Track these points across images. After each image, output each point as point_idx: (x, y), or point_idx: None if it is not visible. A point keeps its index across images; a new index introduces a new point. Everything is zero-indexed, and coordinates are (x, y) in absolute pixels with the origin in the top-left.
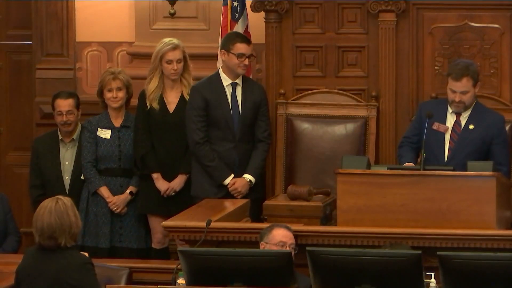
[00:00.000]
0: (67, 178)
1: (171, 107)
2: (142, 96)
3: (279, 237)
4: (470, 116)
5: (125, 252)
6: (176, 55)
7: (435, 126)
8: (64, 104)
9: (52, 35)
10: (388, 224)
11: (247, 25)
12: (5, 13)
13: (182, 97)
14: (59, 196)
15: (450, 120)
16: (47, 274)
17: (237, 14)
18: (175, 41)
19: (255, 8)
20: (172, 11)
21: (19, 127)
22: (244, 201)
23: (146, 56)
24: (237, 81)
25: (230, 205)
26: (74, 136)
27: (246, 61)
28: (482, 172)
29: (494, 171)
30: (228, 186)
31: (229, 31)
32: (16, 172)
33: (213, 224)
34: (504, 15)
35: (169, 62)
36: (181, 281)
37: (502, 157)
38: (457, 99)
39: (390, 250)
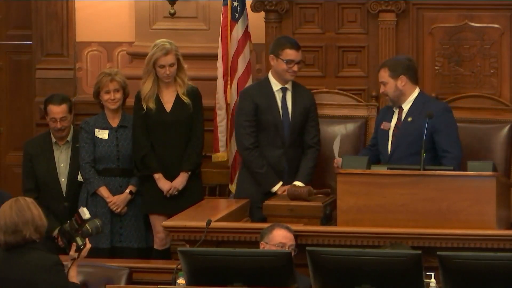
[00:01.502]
0: (63, 180)
1: (168, 107)
2: (138, 97)
3: (279, 238)
4: (409, 109)
5: (125, 252)
6: (168, 60)
7: (382, 125)
8: (58, 111)
9: (52, 35)
10: (388, 224)
11: (247, 25)
12: (5, 13)
13: (177, 97)
14: (19, 197)
15: (395, 117)
16: (15, 277)
17: (237, 14)
18: (167, 45)
19: (255, 8)
20: (172, 11)
21: (19, 127)
22: (244, 201)
23: (146, 56)
24: (286, 86)
25: (230, 205)
26: (68, 138)
27: (295, 67)
28: (482, 172)
29: (441, 158)
30: (278, 193)
31: (229, 31)
32: (16, 172)
33: (213, 224)
34: (504, 15)
35: (162, 66)
36: (181, 281)
37: (445, 144)
38: (380, 91)
39: (390, 250)
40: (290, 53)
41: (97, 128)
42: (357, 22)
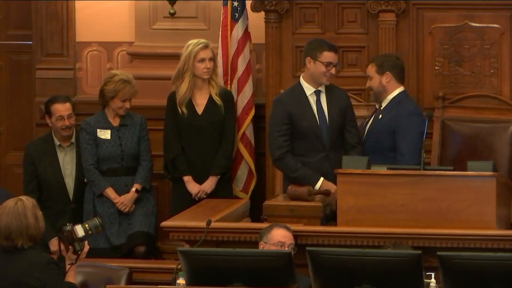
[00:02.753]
0: (69, 182)
1: (200, 109)
2: (172, 99)
3: (278, 237)
4: (385, 108)
5: (136, 250)
6: (208, 53)
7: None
8: (64, 108)
9: (52, 35)
10: (388, 224)
11: (247, 25)
12: (5, 13)
13: (210, 98)
14: (21, 197)
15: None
16: (10, 276)
17: (237, 14)
18: (204, 40)
19: (255, 8)
20: (172, 11)
21: (19, 127)
22: (244, 201)
23: (146, 56)
24: (320, 88)
25: (230, 205)
26: (73, 140)
27: (333, 70)
28: (482, 172)
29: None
30: (324, 189)
31: (229, 31)
32: (16, 172)
33: (213, 224)
34: (504, 15)
35: (202, 60)
36: (181, 281)
37: (400, 146)
38: (366, 85)
39: (390, 250)
40: (328, 56)
41: (99, 129)
42: (357, 22)
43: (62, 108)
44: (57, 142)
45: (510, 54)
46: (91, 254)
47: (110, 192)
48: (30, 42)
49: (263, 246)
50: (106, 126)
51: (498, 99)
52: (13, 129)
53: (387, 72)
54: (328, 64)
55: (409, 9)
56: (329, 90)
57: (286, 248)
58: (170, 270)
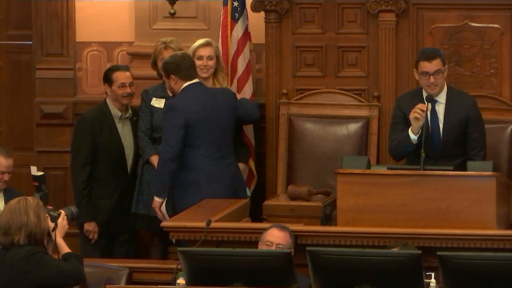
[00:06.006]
0: (129, 153)
1: None
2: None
3: (268, 237)
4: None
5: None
6: (207, 51)
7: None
8: (127, 76)
9: (52, 35)
10: (388, 224)
11: (247, 25)
12: (5, 13)
13: None
14: (27, 197)
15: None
16: (3, 273)
17: (237, 14)
18: (207, 39)
19: (255, 8)
20: (172, 11)
21: (19, 127)
22: (244, 201)
23: (146, 56)
24: (437, 98)
25: (230, 205)
26: (130, 111)
27: (431, 79)
28: (482, 172)
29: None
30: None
31: (229, 31)
32: (17, 172)
33: (213, 224)
34: (504, 15)
35: (200, 58)
36: (181, 281)
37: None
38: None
39: (389, 250)
40: (423, 65)
41: (155, 97)
42: (357, 22)
43: (124, 76)
44: (116, 112)
45: (510, 54)
46: (144, 222)
47: (154, 160)
48: (30, 42)
49: (261, 246)
50: (162, 95)
51: (497, 100)
52: (13, 129)
53: (172, 76)
54: (423, 74)
55: (409, 9)
56: (451, 99)
57: (273, 249)
58: (170, 270)
